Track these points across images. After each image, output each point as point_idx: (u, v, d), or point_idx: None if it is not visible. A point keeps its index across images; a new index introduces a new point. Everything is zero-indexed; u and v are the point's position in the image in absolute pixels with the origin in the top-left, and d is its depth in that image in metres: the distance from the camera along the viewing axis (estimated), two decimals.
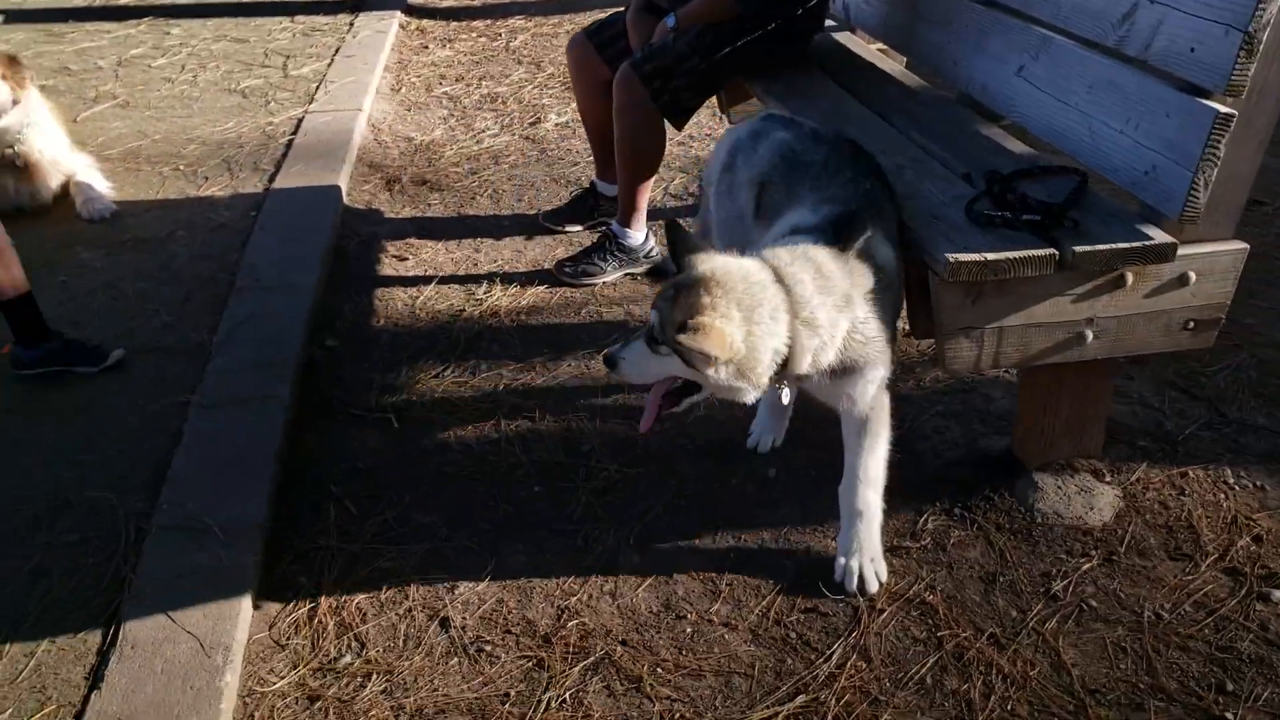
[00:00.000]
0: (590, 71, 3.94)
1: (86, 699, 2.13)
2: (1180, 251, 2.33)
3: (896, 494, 2.66)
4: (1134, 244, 2.31)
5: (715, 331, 2.03)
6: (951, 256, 2.27)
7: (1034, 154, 2.82)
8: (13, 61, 4.20)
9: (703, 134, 5.04)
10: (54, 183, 4.33)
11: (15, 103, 4.16)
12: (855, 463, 2.39)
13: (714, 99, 4.24)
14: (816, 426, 2.80)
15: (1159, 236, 2.33)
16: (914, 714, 2.12)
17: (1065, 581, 2.40)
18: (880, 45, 3.88)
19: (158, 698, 2.10)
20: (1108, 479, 2.66)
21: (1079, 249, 2.29)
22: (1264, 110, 2.25)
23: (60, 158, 4.36)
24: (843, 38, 4.00)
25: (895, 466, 2.74)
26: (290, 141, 4.88)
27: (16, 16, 6.89)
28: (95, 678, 2.18)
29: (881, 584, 2.42)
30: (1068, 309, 2.39)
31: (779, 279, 2.13)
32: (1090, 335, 2.42)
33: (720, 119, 4.82)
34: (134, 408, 3.06)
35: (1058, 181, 2.58)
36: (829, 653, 2.27)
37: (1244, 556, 2.44)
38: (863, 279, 2.24)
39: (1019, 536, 2.54)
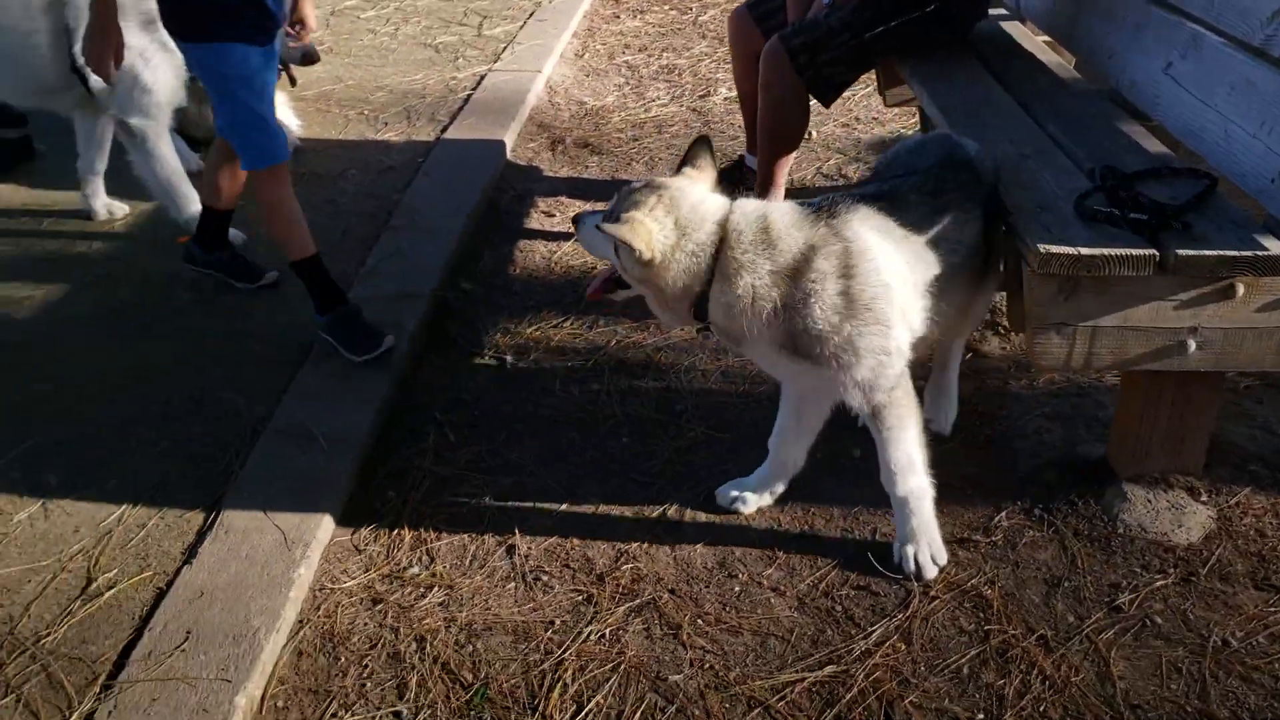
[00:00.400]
0: (746, 42, 3.98)
1: (179, 571, 2.36)
2: None
3: (978, 488, 2.64)
4: (1244, 253, 2.19)
5: (638, 226, 2.17)
6: (1043, 247, 2.22)
7: (1168, 155, 2.70)
8: None
9: (869, 117, 5.00)
10: None
11: None
12: (882, 455, 2.37)
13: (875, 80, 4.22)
14: None
15: (1275, 248, 2.20)
16: (941, 700, 2.11)
17: (1133, 595, 2.31)
18: (1046, 38, 3.76)
19: (237, 578, 2.32)
20: (1204, 498, 2.53)
21: (1182, 252, 2.19)
22: None
23: None
24: (1010, 27, 3.89)
25: (984, 462, 2.72)
26: (469, 96, 5.13)
27: None
28: (190, 553, 2.41)
29: (940, 569, 2.39)
30: (1169, 315, 2.29)
31: (724, 223, 2.21)
32: (1193, 345, 2.31)
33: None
34: (276, 324, 3.32)
35: (1186, 184, 2.47)
36: (870, 630, 2.27)
37: None
38: (828, 253, 2.20)
39: (1095, 545, 2.46)
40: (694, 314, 2.26)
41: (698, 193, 2.28)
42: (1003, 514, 2.57)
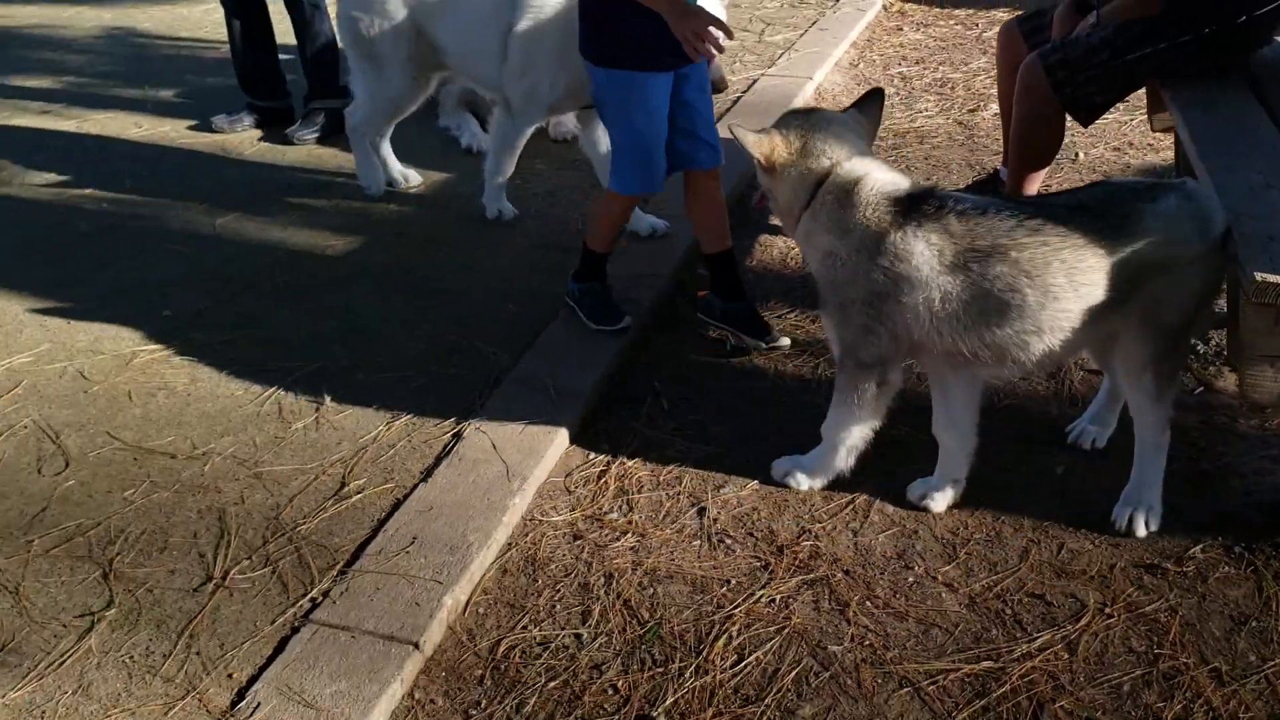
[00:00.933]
0: (1011, 53, 3.97)
1: (415, 487, 2.71)
2: None
3: (1179, 519, 2.60)
4: None
5: (765, 139, 2.58)
6: (1260, 275, 2.19)
7: None
8: None
9: (1144, 143, 4.84)
10: None
11: None
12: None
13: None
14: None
15: None
16: (1094, 710, 2.13)
17: None
18: None
19: (462, 499, 2.64)
20: None
21: None
22: None
23: None
24: None
25: (1190, 494, 2.68)
26: (738, 98, 5.35)
27: None
28: (427, 474, 2.76)
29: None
30: None
31: (836, 167, 2.54)
32: None
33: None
34: (532, 289, 3.66)
35: None
36: (1035, 636, 2.31)
37: None
38: (866, 242, 2.48)
39: None
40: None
41: (839, 131, 2.57)
42: (1199, 546, 2.52)
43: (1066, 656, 2.26)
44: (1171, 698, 2.15)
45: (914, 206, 2.45)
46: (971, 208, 2.44)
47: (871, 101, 2.74)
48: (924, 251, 2.41)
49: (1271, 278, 2.18)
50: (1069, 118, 3.69)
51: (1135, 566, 2.48)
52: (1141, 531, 2.56)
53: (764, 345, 3.32)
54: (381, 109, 4.18)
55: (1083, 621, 2.34)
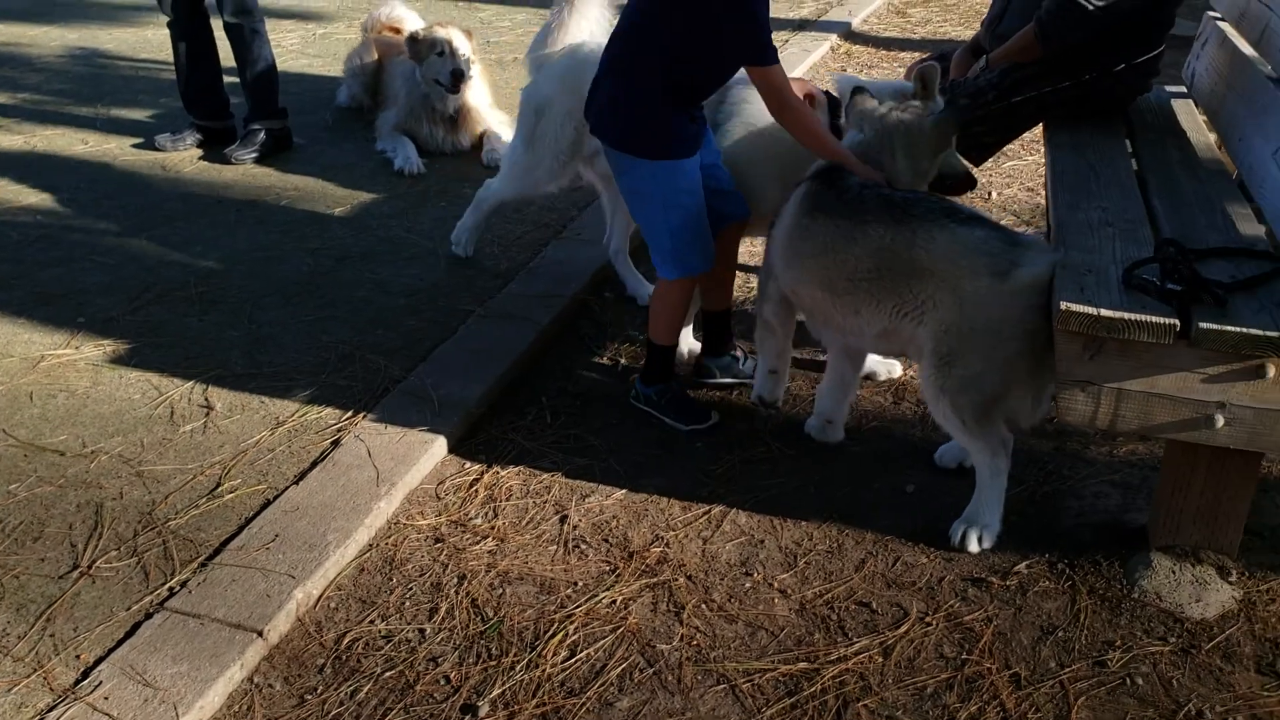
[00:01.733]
0: None
1: (285, 489, 2.83)
2: None
3: (1014, 537, 2.72)
4: (1270, 333, 2.21)
5: None
6: (1065, 304, 2.32)
7: (1257, 238, 2.69)
8: (469, 33, 5.22)
9: None
10: (475, 132, 5.30)
11: (469, 64, 5.16)
12: None
13: None
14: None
15: None
16: (895, 709, 2.24)
17: (1124, 654, 2.35)
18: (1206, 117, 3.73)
19: (329, 502, 2.75)
20: (1232, 578, 2.51)
21: (1204, 325, 2.24)
22: None
23: (484, 112, 5.32)
24: (1180, 104, 3.87)
25: (1030, 514, 2.81)
26: None
27: None
28: (300, 477, 2.88)
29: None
30: (1196, 387, 2.32)
31: None
32: (1220, 420, 2.33)
33: None
34: (436, 306, 3.80)
35: (1255, 265, 2.49)
36: (855, 641, 2.43)
37: None
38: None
39: (1105, 604, 2.50)
40: None
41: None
42: (1026, 562, 2.64)
43: (880, 660, 2.37)
44: (969, 699, 2.26)
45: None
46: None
47: None
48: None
49: (1076, 307, 2.31)
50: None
51: (963, 580, 2.60)
52: (974, 548, 2.69)
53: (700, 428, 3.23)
54: (524, 187, 3.95)
55: (902, 629, 2.46)
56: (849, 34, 7.76)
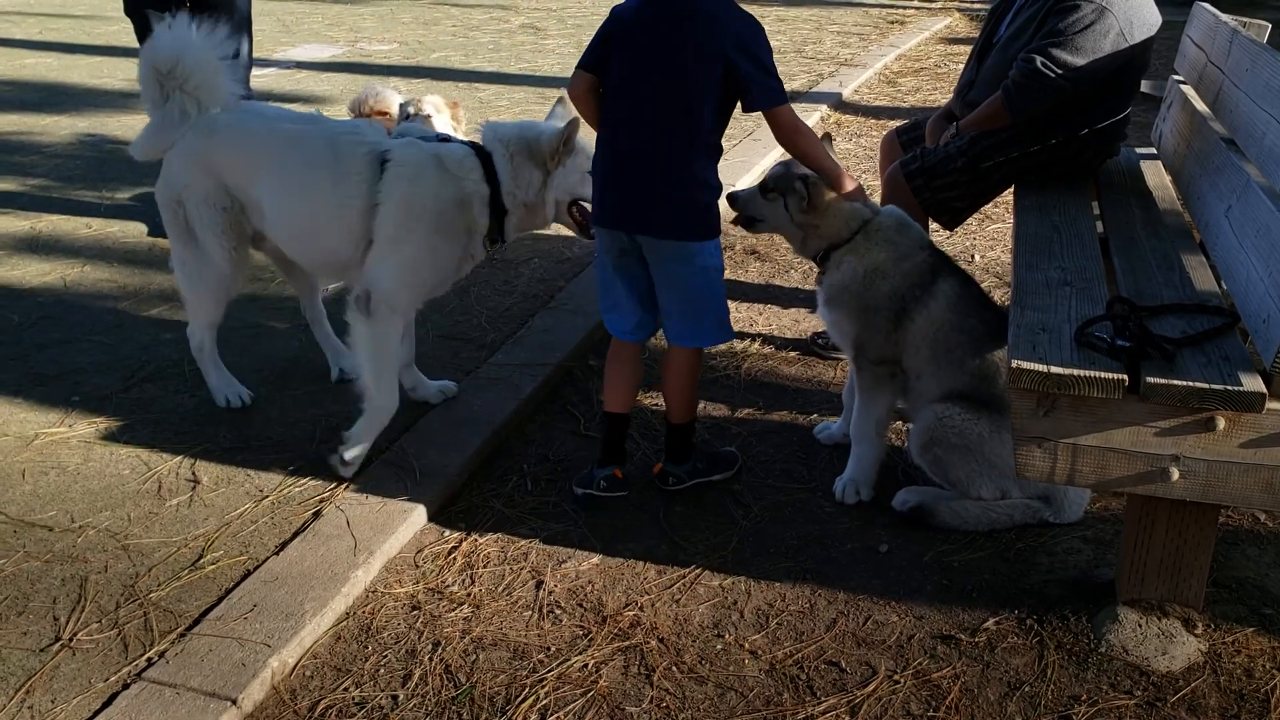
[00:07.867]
0: (890, 161, 4.24)
1: (266, 559, 2.88)
2: (1273, 406, 2.24)
3: (984, 594, 2.75)
4: (1214, 386, 2.26)
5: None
6: (1016, 362, 2.38)
7: (1210, 294, 2.75)
8: (455, 105, 5.36)
9: None
10: None
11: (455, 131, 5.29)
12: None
13: None
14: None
15: (1250, 385, 2.26)
16: None
17: (1090, 709, 2.37)
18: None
19: (307, 571, 2.80)
20: (1198, 631, 2.53)
21: (1151, 380, 2.29)
22: None
23: None
24: (1148, 165, 3.96)
25: (1002, 571, 2.84)
26: None
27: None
28: (281, 548, 2.93)
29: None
30: (1150, 440, 2.37)
31: None
32: (1175, 473, 2.37)
33: None
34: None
35: (1206, 320, 2.54)
36: (822, 700, 2.45)
37: None
38: None
39: (1072, 659, 2.51)
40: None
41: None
42: (995, 619, 2.66)
43: (847, 718, 2.39)
44: None
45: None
46: None
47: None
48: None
49: (1026, 364, 2.37)
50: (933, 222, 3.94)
51: (932, 637, 2.63)
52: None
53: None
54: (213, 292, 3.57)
55: (870, 687, 2.48)
56: (839, 104, 7.93)
